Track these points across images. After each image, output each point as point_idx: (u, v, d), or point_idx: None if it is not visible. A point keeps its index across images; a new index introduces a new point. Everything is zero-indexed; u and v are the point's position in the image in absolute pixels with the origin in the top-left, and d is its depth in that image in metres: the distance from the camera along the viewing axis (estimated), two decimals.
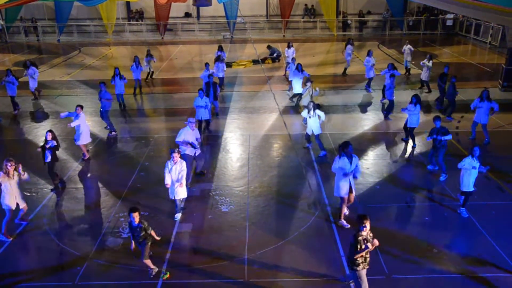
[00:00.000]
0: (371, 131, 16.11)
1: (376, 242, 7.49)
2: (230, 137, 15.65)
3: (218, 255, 9.40)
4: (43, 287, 8.66)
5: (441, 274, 8.74)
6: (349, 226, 10.17)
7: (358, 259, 7.56)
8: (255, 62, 26.25)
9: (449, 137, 12.04)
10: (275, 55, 27.06)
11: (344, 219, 10.33)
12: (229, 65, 24.83)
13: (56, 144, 11.75)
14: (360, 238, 7.43)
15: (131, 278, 8.78)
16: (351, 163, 9.83)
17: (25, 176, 10.09)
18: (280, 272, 8.91)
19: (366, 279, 7.74)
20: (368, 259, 7.71)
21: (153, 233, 8.66)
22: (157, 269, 8.82)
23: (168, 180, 10.32)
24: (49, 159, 11.71)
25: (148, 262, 8.70)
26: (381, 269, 8.87)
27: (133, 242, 8.64)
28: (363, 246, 7.41)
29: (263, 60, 26.51)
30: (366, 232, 7.47)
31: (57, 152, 11.95)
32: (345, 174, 9.85)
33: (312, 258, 9.25)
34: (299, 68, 18.35)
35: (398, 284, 8.53)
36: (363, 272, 7.71)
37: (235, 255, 9.41)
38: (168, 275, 8.78)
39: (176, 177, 10.27)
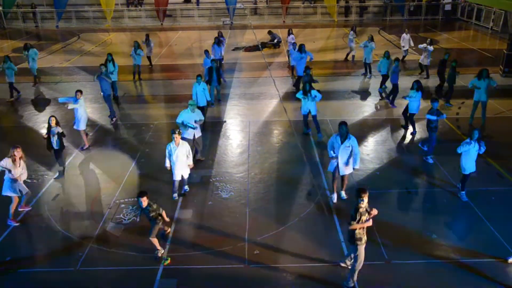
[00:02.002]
0: (371, 117, 16.09)
1: (375, 211, 7.77)
2: (230, 124, 15.63)
3: (219, 241, 9.45)
4: (45, 272, 8.74)
5: (440, 260, 8.79)
6: (335, 201, 10.70)
7: (357, 233, 7.71)
8: (275, 45, 26.86)
9: (443, 116, 12.26)
10: (275, 40, 26.93)
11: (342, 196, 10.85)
12: (258, 48, 26.11)
13: (61, 130, 11.88)
14: (360, 210, 7.60)
15: (133, 263, 8.84)
16: (341, 142, 10.10)
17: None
18: (280, 257, 8.97)
19: (363, 256, 7.88)
20: (365, 237, 7.85)
21: (163, 214, 8.94)
22: (162, 251, 8.94)
23: (168, 163, 10.63)
24: (56, 145, 11.79)
25: (155, 241, 8.83)
26: (381, 255, 8.93)
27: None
28: (363, 218, 7.62)
29: (263, 46, 26.52)
30: (364, 205, 7.63)
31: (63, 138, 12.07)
32: (334, 151, 10.25)
33: (312, 244, 9.30)
34: (302, 49, 18.35)
35: (398, 270, 8.59)
36: (362, 247, 7.82)
37: (235, 241, 9.46)
38: (169, 261, 8.84)
39: (182, 158, 10.48)
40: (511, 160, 12.52)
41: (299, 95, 13.84)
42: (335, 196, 10.71)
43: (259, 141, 14.20)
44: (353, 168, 10.50)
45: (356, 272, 8.02)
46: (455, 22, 34.58)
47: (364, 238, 7.80)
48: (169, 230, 9.63)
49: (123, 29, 34.16)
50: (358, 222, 7.62)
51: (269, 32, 27.26)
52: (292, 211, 10.46)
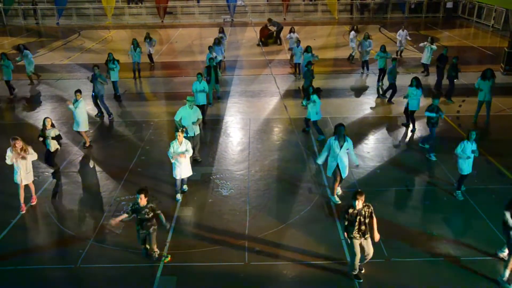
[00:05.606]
0: (371, 115, 16.08)
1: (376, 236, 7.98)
2: (230, 121, 15.62)
3: (219, 239, 9.45)
4: (45, 269, 8.74)
5: (440, 258, 8.79)
6: (339, 202, 10.54)
7: (349, 228, 7.88)
8: (277, 34, 27.25)
9: (442, 114, 12.22)
10: (277, 28, 26.85)
11: (338, 197, 10.74)
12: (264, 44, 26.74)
13: (58, 133, 11.69)
14: (350, 211, 7.75)
15: (133, 261, 8.85)
16: (341, 146, 10.07)
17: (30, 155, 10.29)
18: (280, 255, 8.97)
19: (358, 251, 7.97)
20: (365, 234, 7.90)
21: (162, 217, 8.49)
22: (159, 251, 8.87)
23: (172, 159, 10.44)
24: (53, 148, 11.61)
25: (154, 246, 8.74)
26: (381, 252, 8.91)
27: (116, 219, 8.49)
28: (352, 219, 7.76)
29: (270, 37, 27.07)
30: (358, 207, 7.70)
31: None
32: (333, 156, 10.23)
33: (313, 242, 9.30)
34: (308, 50, 18.51)
35: (397, 267, 8.59)
36: (356, 242, 7.93)
37: (235, 238, 9.46)
38: (169, 258, 8.84)
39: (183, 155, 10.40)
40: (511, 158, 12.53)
41: (304, 102, 13.85)
42: (336, 198, 10.68)
43: (260, 138, 14.19)
44: (357, 165, 10.96)
45: (354, 264, 8.12)
46: (456, 20, 34.52)
47: (358, 234, 7.86)
48: (169, 226, 9.14)
49: (123, 26, 34.12)
50: (348, 221, 7.83)
51: (269, 20, 27.05)
52: (293, 208, 10.46)
